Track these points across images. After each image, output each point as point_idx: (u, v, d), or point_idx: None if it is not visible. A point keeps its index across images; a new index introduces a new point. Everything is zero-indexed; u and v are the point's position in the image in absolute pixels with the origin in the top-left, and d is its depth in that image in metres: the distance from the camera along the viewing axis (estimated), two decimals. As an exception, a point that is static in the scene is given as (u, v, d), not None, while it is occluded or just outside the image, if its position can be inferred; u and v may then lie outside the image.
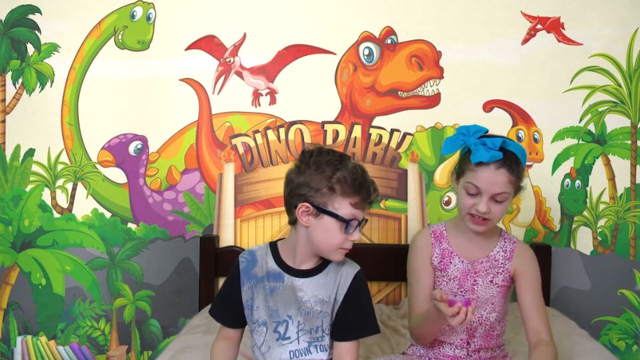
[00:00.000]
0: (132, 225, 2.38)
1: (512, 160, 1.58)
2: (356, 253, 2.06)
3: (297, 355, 1.48)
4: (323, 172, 1.43)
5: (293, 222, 1.48)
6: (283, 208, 1.50)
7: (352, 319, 1.46)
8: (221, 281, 2.32)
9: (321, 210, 1.43)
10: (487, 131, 1.63)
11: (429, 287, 1.69)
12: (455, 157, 2.20)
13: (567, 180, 2.32)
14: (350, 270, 1.50)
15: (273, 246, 1.54)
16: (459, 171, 1.65)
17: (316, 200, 1.43)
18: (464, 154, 1.65)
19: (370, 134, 2.33)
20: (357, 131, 2.33)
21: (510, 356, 1.75)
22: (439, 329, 1.63)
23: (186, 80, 2.34)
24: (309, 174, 1.44)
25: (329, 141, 2.33)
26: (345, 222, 1.43)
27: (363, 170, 1.46)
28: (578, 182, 2.32)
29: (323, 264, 1.50)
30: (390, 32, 2.31)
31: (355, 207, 1.44)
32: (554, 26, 2.29)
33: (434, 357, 1.69)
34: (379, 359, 1.64)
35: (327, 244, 1.47)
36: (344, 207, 1.43)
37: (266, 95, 2.34)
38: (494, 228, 1.71)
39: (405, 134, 2.32)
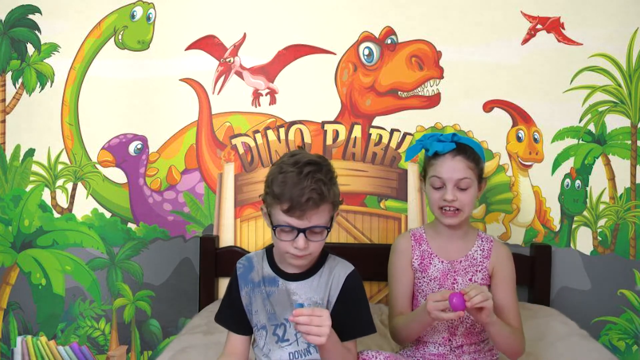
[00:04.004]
0: (132, 225, 2.38)
1: (466, 149, 1.70)
2: (356, 253, 2.07)
3: (297, 356, 1.48)
4: (271, 174, 1.42)
5: None
6: (283, 208, 1.50)
7: (347, 320, 1.45)
8: (221, 281, 2.34)
9: (268, 213, 1.42)
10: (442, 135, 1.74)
11: (409, 289, 1.76)
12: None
13: (567, 180, 2.32)
14: (343, 271, 1.49)
15: (268, 251, 1.54)
16: (423, 173, 1.77)
17: (266, 202, 1.43)
18: (425, 157, 1.76)
19: (370, 134, 2.33)
20: (357, 131, 2.33)
21: (497, 350, 1.76)
22: (424, 328, 1.67)
23: (186, 80, 2.34)
24: (269, 173, 1.44)
25: (329, 141, 2.33)
26: (273, 228, 1.40)
27: (306, 175, 1.36)
28: (578, 182, 2.32)
29: (316, 266, 1.49)
30: (390, 32, 2.31)
31: (287, 214, 1.36)
32: (554, 26, 2.29)
33: (420, 357, 1.73)
34: (370, 351, 1.56)
35: (277, 248, 1.47)
36: (277, 212, 1.38)
37: (266, 95, 2.34)
38: (471, 228, 1.80)
39: (405, 134, 2.32)
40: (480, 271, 1.73)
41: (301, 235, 1.37)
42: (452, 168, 1.67)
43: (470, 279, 1.73)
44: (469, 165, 1.68)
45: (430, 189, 1.72)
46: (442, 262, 1.74)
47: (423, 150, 1.76)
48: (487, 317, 1.54)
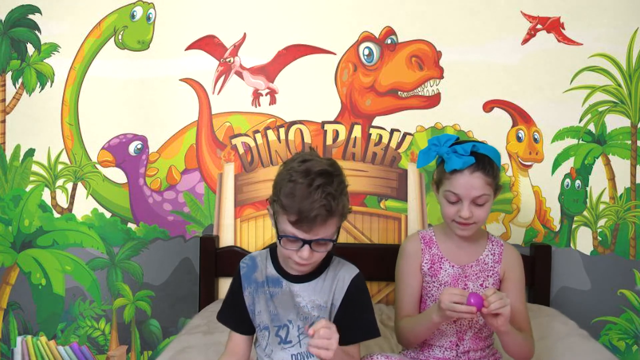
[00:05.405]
0: (132, 225, 2.38)
1: (485, 162, 1.61)
2: (357, 253, 2.06)
3: (300, 358, 1.47)
4: (280, 180, 1.39)
5: None
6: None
7: (351, 324, 1.45)
8: (221, 281, 2.34)
9: (274, 219, 1.41)
10: (457, 138, 1.68)
11: (417, 292, 1.72)
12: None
13: (567, 180, 2.32)
14: (348, 274, 1.48)
15: (272, 251, 1.53)
16: (437, 181, 1.69)
17: (274, 208, 1.40)
18: (439, 164, 1.68)
19: (370, 134, 2.33)
20: (357, 131, 2.33)
21: (501, 354, 1.76)
22: (431, 331, 1.65)
23: (186, 80, 2.34)
24: (278, 177, 1.41)
25: (329, 141, 2.33)
26: (279, 237, 1.38)
27: (317, 188, 1.32)
28: (578, 182, 2.32)
29: (320, 268, 1.48)
30: (390, 32, 2.31)
31: (294, 226, 1.34)
32: (554, 26, 2.29)
33: (424, 359, 1.71)
34: (378, 355, 1.59)
35: (280, 252, 1.45)
36: (284, 221, 1.36)
37: (266, 95, 2.34)
38: (481, 232, 1.74)
39: (405, 134, 2.32)
40: (491, 276, 1.70)
41: (306, 246, 1.36)
42: (470, 185, 1.59)
43: (481, 284, 1.69)
44: (487, 182, 1.60)
45: (445, 201, 1.64)
46: (453, 266, 1.70)
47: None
48: (503, 326, 1.50)
